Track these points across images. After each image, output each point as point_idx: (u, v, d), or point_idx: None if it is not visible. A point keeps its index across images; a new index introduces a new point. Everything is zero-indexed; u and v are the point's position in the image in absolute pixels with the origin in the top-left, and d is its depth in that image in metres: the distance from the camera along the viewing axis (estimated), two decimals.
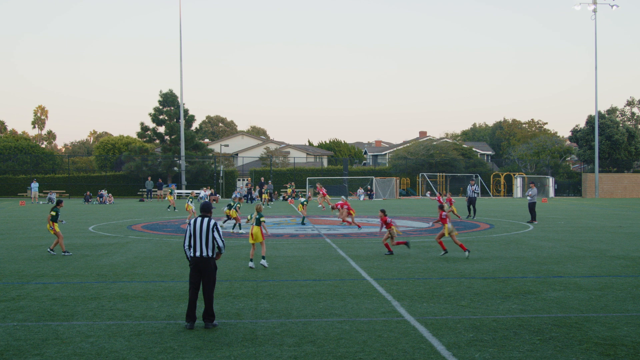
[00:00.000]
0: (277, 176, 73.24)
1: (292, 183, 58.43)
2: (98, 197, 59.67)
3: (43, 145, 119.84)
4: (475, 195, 36.94)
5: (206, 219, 11.23)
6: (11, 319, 11.45)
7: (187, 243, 11.13)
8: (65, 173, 77.04)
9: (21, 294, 13.74)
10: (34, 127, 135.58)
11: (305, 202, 33.02)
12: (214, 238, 11.13)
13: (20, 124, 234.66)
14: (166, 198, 56.89)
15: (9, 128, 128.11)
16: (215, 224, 11.22)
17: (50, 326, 10.93)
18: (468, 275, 16.08)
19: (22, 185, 71.40)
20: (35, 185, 60.65)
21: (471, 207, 36.58)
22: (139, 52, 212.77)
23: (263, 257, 17.47)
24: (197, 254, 10.99)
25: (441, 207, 20.07)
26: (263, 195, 50.74)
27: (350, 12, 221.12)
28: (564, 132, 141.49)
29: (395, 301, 12.87)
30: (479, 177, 74.07)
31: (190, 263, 11.11)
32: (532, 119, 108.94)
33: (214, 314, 10.94)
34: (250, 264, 17.37)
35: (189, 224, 11.23)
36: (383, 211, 20.38)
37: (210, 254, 11.03)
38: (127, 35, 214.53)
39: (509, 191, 77.68)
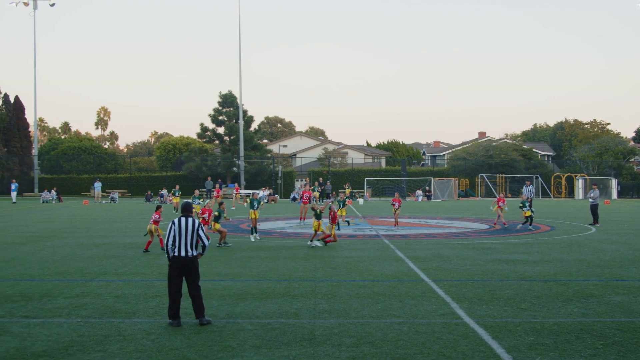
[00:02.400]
0: (335, 177, 73.30)
1: (348, 184, 58.11)
2: (159, 197, 60.55)
3: (106, 146, 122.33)
4: (532, 195, 36.45)
5: (190, 219, 11.38)
6: (75, 316, 11.70)
7: (170, 242, 11.17)
8: (127, 173, 78.51)
9: (85, 291, 14.03)
10: (97, 128, 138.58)
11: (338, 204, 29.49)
12: (199, 237, 11.29)
13: (84, 125, 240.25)
14: (171, 200, 50.22)
15: (73, 129, 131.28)
16: (199, 224, 11.40)
17: (112, 323, 11.14)
18: (528, 277, 15.87)
19: (85, 185, 72.79)
20: (98, 185, 61.76)
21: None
22: (199, 53, 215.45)
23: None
24: (183, 253, 11.10)
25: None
26: (314, 193, 49.05)
27: (410, 13, 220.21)
28: (628, 133, 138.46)
29: (454, 303, 12.78)
30: (539, 179, 72.98)
31: (171, 262, 11.19)
32: (594, 119, 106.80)
33: (204, 307, 11.14)
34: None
35: (173, 223, 11.30)
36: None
37: (194, 253, 11.21)
38: (187, 37, 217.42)
39: (570, 193, 76.33)
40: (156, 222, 21.12)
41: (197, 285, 11.15)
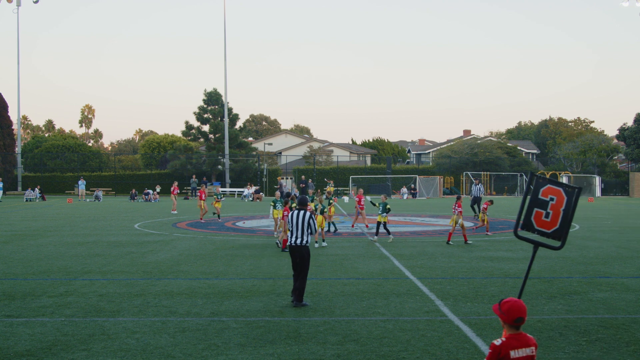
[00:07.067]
0: (320, 175, 73.30)
1: (331, 182, 58.10)
2: (144, 195, 60.30)
3: (90, 144, 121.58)
4: (480, 194, 36.16)
5: (302, 211, 12.78)
6: (59, 315, 11.64)
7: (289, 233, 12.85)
8: (112, 171, 78.12)
9: (69, 290, 13.96)
10: (81, 126, 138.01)
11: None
12: (309, 226, 12.65)
13: (68, 122, 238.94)
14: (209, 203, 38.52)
15: (57, 127, 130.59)
16: (310, 215, 12.78)
17: (96, 322, 11.10)
18: (512, 275, 15.94)
19: (69, 183, 72.43)
20: (82, 183, 61.38)
21: (475, 206, 35.89)
22: (183, 51, 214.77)
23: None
24: (298, 241, 12.56)
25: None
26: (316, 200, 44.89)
27: (395, 11, 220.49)
28: (611, 131, 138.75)
29: (438, 300, 12.82)
30: (524, 176, 73.25)
31: (290, 251, 12.74)
32: (578, 117, 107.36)
33: (302, 296, 12.36)
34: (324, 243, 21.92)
35: (290, 216, 12.82)
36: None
37: (304, 242, 12.58)
38: (172, 35, 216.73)
39: None
40: (285, 217, 20.84)
41: (303, 276, 12.40)
